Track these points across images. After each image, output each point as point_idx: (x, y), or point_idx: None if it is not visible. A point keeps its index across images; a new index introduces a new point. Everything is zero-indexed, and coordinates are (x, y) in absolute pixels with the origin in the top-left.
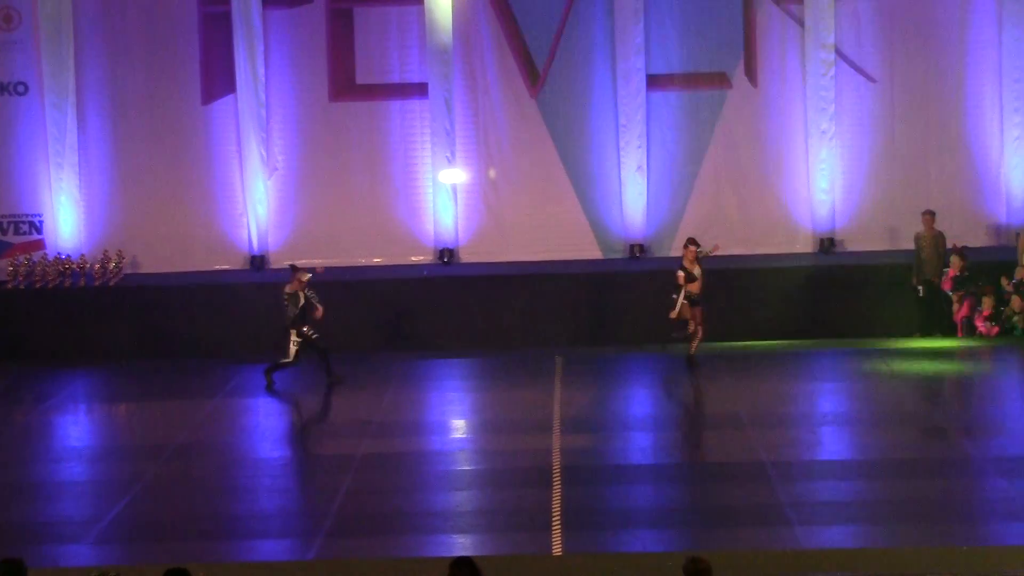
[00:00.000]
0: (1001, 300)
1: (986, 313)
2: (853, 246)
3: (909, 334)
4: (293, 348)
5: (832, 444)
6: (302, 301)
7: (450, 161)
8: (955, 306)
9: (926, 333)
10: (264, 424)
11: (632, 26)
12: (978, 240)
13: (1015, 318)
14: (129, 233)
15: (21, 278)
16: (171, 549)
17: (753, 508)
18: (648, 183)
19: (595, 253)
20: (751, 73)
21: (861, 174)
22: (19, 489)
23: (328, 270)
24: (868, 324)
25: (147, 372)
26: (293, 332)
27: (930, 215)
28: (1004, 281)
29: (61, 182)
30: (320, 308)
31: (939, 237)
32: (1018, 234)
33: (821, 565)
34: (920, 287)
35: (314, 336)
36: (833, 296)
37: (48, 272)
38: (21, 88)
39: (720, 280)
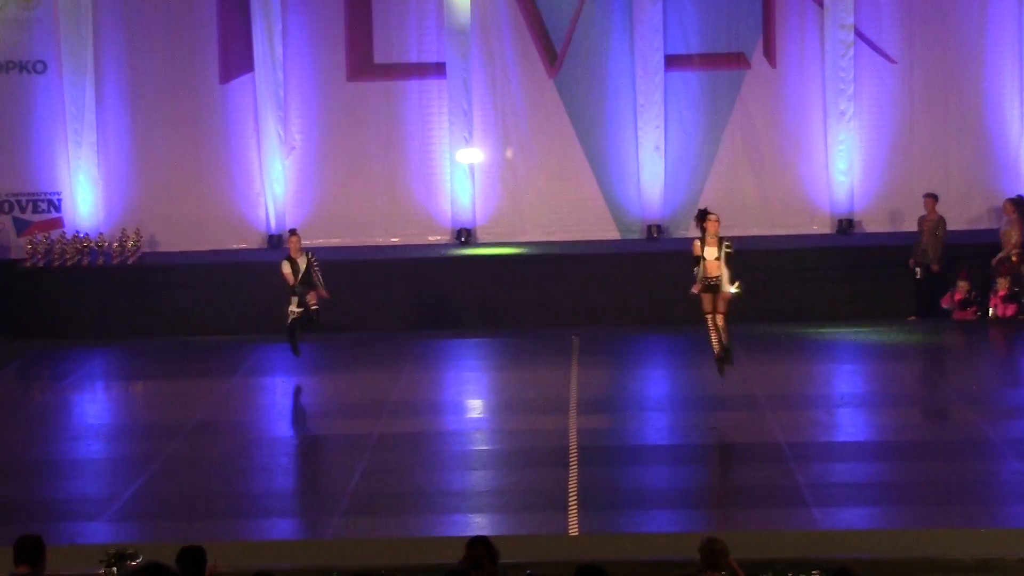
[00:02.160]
0: (1018, 281)
1: (958, 297)
2: (872, 227)
3: (905, 316)
4: (290, 317)
5: (849, 425)
6: (302, 268)
7: (467, 141)
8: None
9: (921, 316)
10: (281, 403)
11: (650, 6)
12: (996, 222)
13: None
14: (147, 212)
15: (39, 256)
16: (188, 527)
17: (769, 489)
18: (666, 163)
19: (612, 233)
20: (770, 53)
21: (880, 155)
22: (37, 467)
23: (345, 250)
24: (884, 305)
25: (165, 351)
26: (293, 301)
27: (932, 198)
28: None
29: (79, 160)
30: (323, 291)
31: (940, 221)
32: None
33: (837, 546)
34: (918, 269)
35: (315, 308)
36: (851, 277)
37: (66, 250)
38: (40, 67)
39: (737, 261)
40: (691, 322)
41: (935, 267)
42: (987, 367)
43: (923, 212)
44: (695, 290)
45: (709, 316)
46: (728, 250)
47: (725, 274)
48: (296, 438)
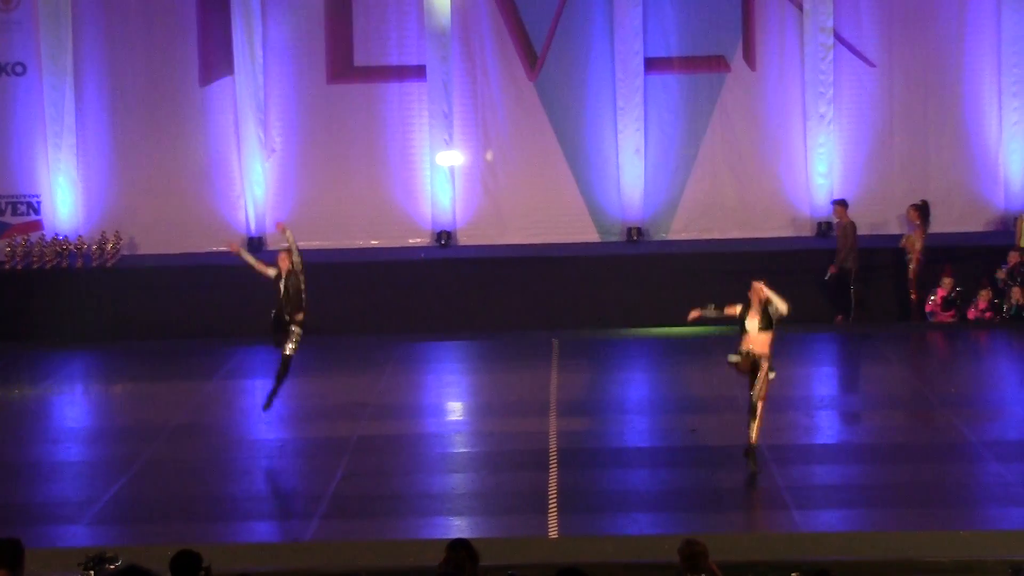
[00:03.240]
0: (997, 292)
1: (942, 294)
2: None
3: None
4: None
5: (829, 428)
6: (284, 273)
7: (448, 144)
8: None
9: (830, 319)
10: (261, 406)
11: (631, 9)
12: (975, 225)
13: (1018, 307)
14: (127, 214)
15: (19, 259)
16: (167, 530)
17: (749, 491)
18: (646, 166)
19: (592, 236)
20: (749, 56)
21: (859, 158)
22: (16, 469)
23: (326, 252)
24: (863, 308)
25: (144, 353)
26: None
27: (840, 204)
28: (1000, 273)
29: (59, 163)
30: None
31: (849, 226)
32: (1017, 218)
33: (817, 548)
34: (830, 274)
35: (290, 342)
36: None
37: (46, 253)
38: (19, 68)
39: (717, 264)
40: (670, 325)
41: (838, 270)
42: (966, 369)
43: (904, 214)
44: (733, 360)
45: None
46: (776, 316)
47: (767, 352)
48: (276, 440)
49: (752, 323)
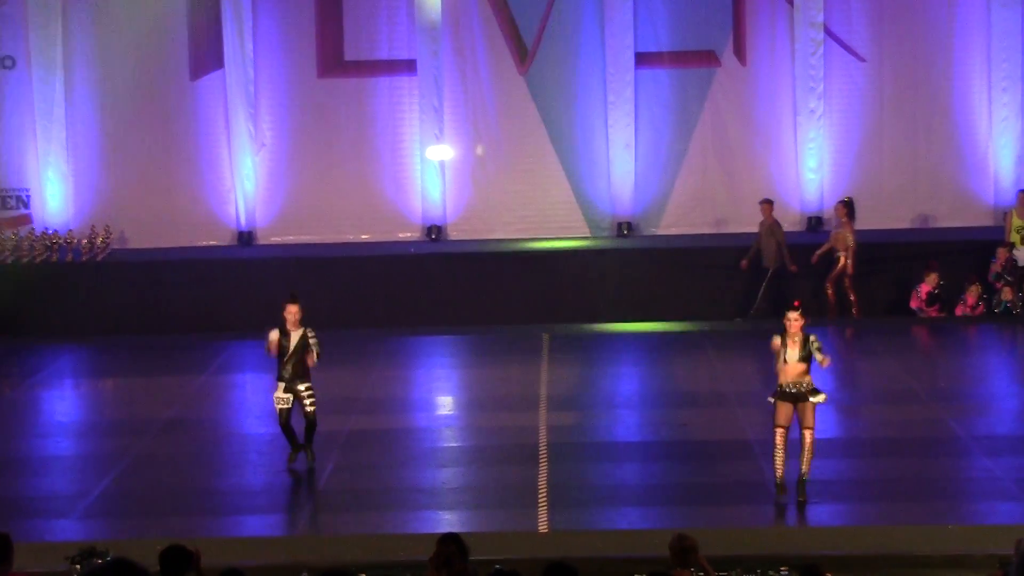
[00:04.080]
0: (988, 289)
1: (926, 290)
2: None
3: (884, 313)
4: (277, 406)
5: (818, 423)
6: (294, 344)
7: (438, 138)
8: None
9: (741, 315)
10: (252, 400)
11: (621, 3)
12: (965, 220)
13: (1007, 305)
14: (116, 208)
15: (8, 253)
16: (158, 524)
17: (739, 486)
18: (636, 161)
19: (583, 231)
20: (740, 51)
21: (849, 153)
22: (5, 464)
23: (316, 246)
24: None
25: (134, 348)
26: (280, 386)
27: (767, 203)
28: (995, 267)
29: (49, 157)
30: (314, 357)
31: (774, 226)
32: (1006, 214)
33: (807, 543)
34: (744, 266)
35: (308, 401)
36: (820, 274)
37: (35, 247)
38: (9, 62)
39: (707, 258)
40: (661, 319)
41: (792, 267)
42: (955, 364)
43: (892, 210)
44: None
45: (780, 431)
46: (817, 350)
47: (809, 379)
48: (267, 435)
49: (792, 353)
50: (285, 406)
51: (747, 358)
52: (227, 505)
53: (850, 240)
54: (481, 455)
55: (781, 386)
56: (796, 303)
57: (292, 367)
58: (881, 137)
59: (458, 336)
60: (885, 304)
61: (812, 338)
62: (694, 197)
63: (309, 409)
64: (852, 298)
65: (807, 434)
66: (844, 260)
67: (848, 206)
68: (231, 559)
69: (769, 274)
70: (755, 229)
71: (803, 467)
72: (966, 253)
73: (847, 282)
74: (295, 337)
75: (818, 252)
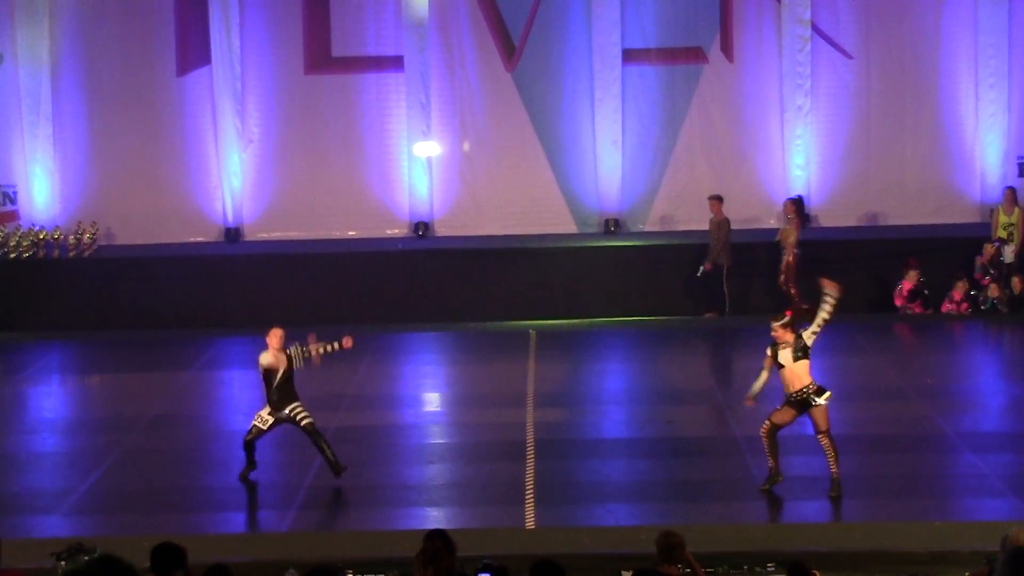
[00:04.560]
0: (973, 284)
1: (908, 287)
2: (828, 222)
3: (870, 310)
4: (254, 422)
5: (804, 419)
6: (279, 371)
7: (425, 135)
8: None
9: (698, 313)
10: (238, 396)
11: (608, 0)
12: (952, 217)
13: (994, 302)
14: (103, 204)
15: None
16: (144, 521)
17: (726, 482)
18: (623, 157)
19: (570, 227)
20: (727, 48)
21: (836, 150)
22: None
23: (303, 243)
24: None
25: (121, 344)
26: (266, 408)
27: (715, 200)
28: (982, 260)
29: (36, 153)
30: (343, 340)
31: (723, 222)
32: (992, 210)
33: (793, 539)
34: (703, 267)
35: (300, 418)
36: (807, 271)
37: (22, 243)
38: None
39: (693, 255)
40: (647, 314)
41: (707, 266)
42: (942, 361)
43: (885, 207)
44: (749, 402)
45: (769, 425)
46: (812, 335)
47: (810, 380)
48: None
49: (786, 355)
50: (262, 426)
51: (732, 355)
52: (214, 501)
53: (792, 238)
54: (468, 451)
55: (788, 396)
56: (788, 312)
57: (280, 392)
58: (868, 134)
59: (445, 332)
60: (869, 301)
61: (801, 332)
62: (681, 194)
63: (306, 423)
64: (793, 292)
65: (823, 439)
66: (788, 257)
67: (797, 204)
68: (218, 555)
69: (724, 270)
70: (742, 226)
71: (832, 468)
72: (952, 249)
73: (790, 277)
74: (281, 363)
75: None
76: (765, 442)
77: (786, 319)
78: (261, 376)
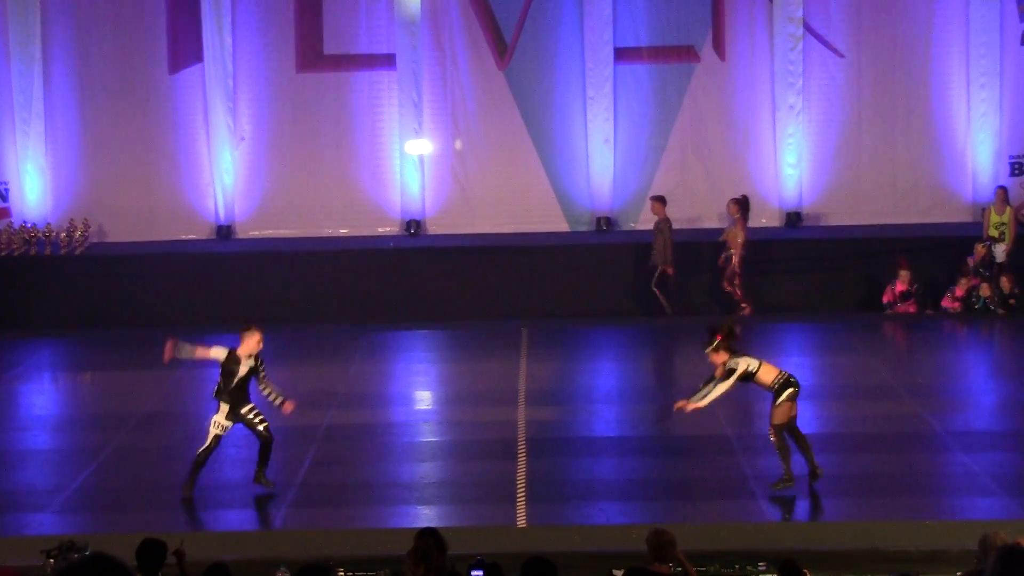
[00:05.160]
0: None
1: (900, 288)
2: (820, 221)
3: (861, 309)
4: (213, 431)
5: (804, 419)
6: (241, 372)
7: (417, 132)
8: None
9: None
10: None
11: None
12: (943, 216)
13: (985, 302)
14: (95, 202)
15: None
16: (135, 518)
17: (717, 481)
18: (615, 156)
19: (562, 225)
20: (719, 47)
21: (828, 149)
22: None
23: (294, 241)
24: (831, 298)
25: (112, 341)
26: (223, 409)
27: (656, 201)
28: (970, 263)
29: (27, 150)
30: (285, 402)
31: (662, 223)
32: (984, 209)
33: (784, 538)
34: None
35: (257, 421)
36: (798, 270)
37: (13, 240)
38: None
39: (688, 254)
40: (639, 313)
41: (668, 269)
42: (933, 360)
43: (876, 206)
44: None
45: (775, 431)
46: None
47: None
48: (244, 429)
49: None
50: (221, 433)
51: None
52: (205, 499)
53: (740, 237)
54: (460, 450)
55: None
56: (717, 336)
57: (239, 392)
58: (859, 133)
59: (437, 331)
60: (859, 300)
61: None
62: (673, 192)
63: (262, 428)
64: (738, 295)
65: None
66: (734, 258)
67: (741, 204)
68: (209, 553)
69: (657, 273)
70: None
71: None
72: (943, 249)
73: (736, 280)
74: (244, 366)
75: (723, 255)
76: (775, 442)
77: (715, 343)
78: (221, 370)
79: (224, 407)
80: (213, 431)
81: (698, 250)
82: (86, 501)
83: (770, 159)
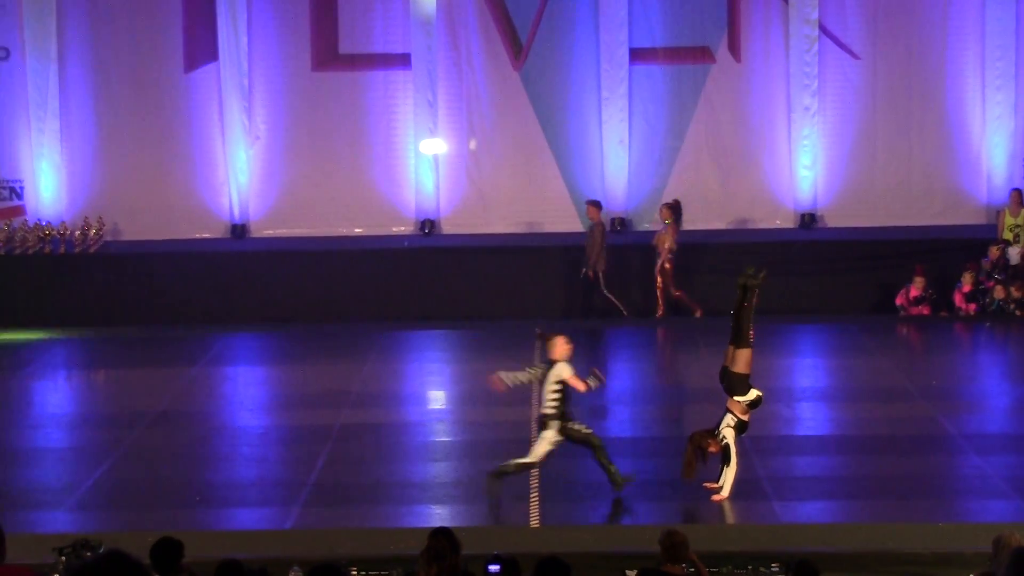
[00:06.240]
0: (980, 285)
1: (914, 294)
2: (834, 222)
3: (874, 311)
4: (545, 448)
5: (810, 419)
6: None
7: (432, 132)
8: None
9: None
10: (244, 393)
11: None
12: (958, 218)
13: (999, 304)
14: (110, 200)
15: (1, 244)
16: (149, 517)
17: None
18: (630, 157)
19: (576, 226)
20: (734, 48)
21: (843, 151)
22: None
23: (309, 240)
24: (845, 300)
25: (127, 340)
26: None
27: (593, 205)
28: (985, 266)
29: (42, 148)
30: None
31: (595, 227)
32: (999, 212)
33: (798, 539)
34: (590, 273)
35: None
36: (813, 272)
37: (28, 238)
38: (3, 53)
39: (702, 254)
40: (653, 314)
41: (590, 273)
42: (946, 362)
43: (876, 208)
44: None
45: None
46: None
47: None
48: (258, 428)
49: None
50: (555, 449)
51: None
52: (218, 498)
53: (668, 243)
54: (473, 449)
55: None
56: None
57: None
58: (875, 134)
59: (451, 330)
60: (873, 303)
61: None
62: (687, 194)
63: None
64: (660, 300)
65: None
66: (662, 262)
67: (674, 209)
68: (221, 552)
69: (601, 275)
70: (745, 226)
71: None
72: (958, 251)
73: (660, 283)
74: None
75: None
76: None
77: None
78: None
79: (559, 424)
80: (548, 448)
81: (704, 252)
82: (100, 499)
83: (785, 160)
